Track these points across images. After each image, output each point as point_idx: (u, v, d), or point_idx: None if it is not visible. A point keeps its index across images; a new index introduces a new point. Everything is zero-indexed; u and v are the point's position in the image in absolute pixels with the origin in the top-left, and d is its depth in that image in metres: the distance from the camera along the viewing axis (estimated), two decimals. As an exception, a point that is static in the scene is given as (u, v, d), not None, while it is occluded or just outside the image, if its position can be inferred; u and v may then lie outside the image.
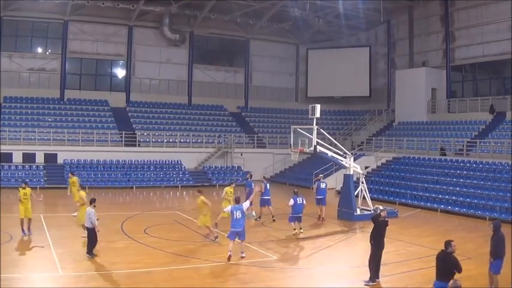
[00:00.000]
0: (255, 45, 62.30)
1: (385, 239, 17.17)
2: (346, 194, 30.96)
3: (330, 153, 31.11)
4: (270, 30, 60.03)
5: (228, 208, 20.86)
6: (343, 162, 31.65)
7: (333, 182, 44.27)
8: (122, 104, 55.87)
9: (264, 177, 32.40)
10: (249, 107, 61.92)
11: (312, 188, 34.30)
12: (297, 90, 64.75)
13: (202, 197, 23.18)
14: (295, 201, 25.16)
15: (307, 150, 30.56)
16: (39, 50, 54.44)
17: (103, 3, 50.73)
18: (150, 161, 48.68)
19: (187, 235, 24.68)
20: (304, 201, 25.57)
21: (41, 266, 18.78)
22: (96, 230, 19.91)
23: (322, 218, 30.10)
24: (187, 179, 47.29)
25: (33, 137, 46.64)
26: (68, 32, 53.76)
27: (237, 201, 21.22)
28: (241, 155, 52.18)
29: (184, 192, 43.73)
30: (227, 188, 28.33)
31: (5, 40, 51.47)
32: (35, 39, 54.14)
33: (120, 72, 57.67)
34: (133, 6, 52.48)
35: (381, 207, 31.73)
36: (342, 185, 33.07)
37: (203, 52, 61.42)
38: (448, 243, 13.68)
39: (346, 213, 30.39)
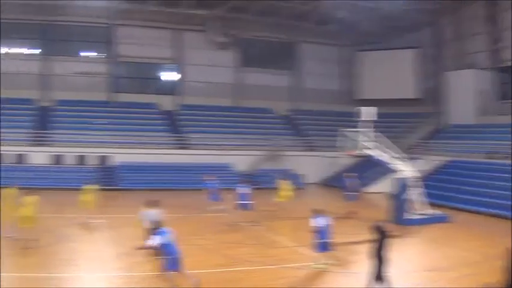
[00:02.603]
0: (304, 48, 62.30)
1: (388, 253, 16.26)
2: (399, 198, 30.71)
3: (380, 157, 31.05)
4: (317, 33, 59.89)
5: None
6: (395, 166, 31.47)
7: (385, 185, 44.17)
8: (173, 107, 56.65)
9: None
10: (299, 110, 61.66)
11: None
12: (347, 92, 64.07)
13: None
14: (319, 222, 19.28)
15: (357, 153, 30.56)
16: (87, 54, 55.90)
17: (150, 8, 51.51)
18: (201, 163, 48.64)
19: (243, 237, 24.77)
20: (330, 221, 19.67)
21: (95, 266, 19.17)
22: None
23: None
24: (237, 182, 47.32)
25: (84, 139, 47.69)
26: (117, 36, 55.03)
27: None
28: (291, 158, 51.95)
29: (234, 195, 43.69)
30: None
31: (53, 44, 53.68)
32: (82, 43, 55.77)
33: (170, 76, 58.56)
34: (179, 10, 53.19)
35: (432, 212, 31.72)
36: (394, 189, 32.85)
37: (250, 55, 61.52)
38: None
39: (399, 218, 30.14)
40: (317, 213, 19.57)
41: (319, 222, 19.24)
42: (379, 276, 15.80)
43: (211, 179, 33.36)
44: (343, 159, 32.73)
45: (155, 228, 16.67)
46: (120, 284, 17.09)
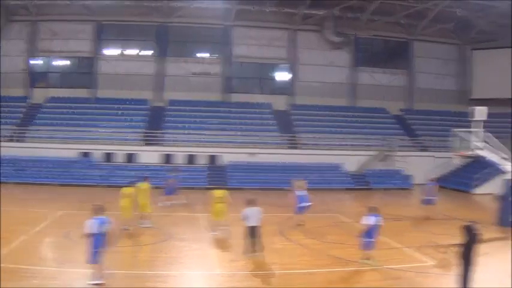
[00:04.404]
0: (419, 47, 60.95)
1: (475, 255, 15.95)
2: (506, 200, 29.87)
3: (491, 157, 30.36)
4: (433, 32, 58.40)
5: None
6: (504, 167, 30.65)
7: (495, 186, 43.06)
8: (285, 107, 57.04)
9: None
10: (412, 110, 60.51)
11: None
12: (461, 92, 62.10)
13: None
14: (371, 221, 19.15)
15: (468, 153, 29.99)
16: (203, 54, 57.55)
17: (268, 9, 52.15)
18: (311, 163, 48.68)
19: (347, 238, 24.38)
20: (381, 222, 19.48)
21: (198, 264, 19.68)
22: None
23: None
24: (349, 182, 47.31)
25: (196, 139, 49.13)
26: (232, 36, 56.12)
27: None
28: (403, 158, 51.11)
29: (345, 195, 43.62)
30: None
31: (172, 46, 55.84)
32: (199, 44, 57.33)
33: (283, 76, 58.90)
34: (296, 10, 53.56)
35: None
36: (502, 190, 31.93)
37: (364, 54, 60.97)
38: None
39: (505, 219, 29.22)
40: (371, 211, 19.35)
41: (371, 220, 19.03)
42: (465, 279, 15.74)
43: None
44: (455, 160, 31.86)
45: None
46: (223, 282, 17.50)
